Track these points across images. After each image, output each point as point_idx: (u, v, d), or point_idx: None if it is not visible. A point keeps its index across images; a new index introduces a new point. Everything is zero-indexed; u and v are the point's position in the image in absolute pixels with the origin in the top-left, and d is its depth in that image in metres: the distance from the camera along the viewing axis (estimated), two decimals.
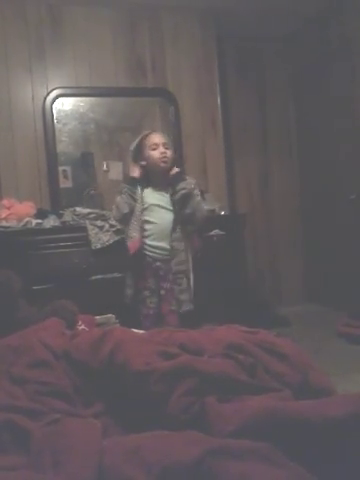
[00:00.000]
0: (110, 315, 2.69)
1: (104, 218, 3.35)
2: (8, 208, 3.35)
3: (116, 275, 3.27)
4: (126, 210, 2.70)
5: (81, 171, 3.95)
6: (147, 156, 2.69)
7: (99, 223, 3.32)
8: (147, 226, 2.70)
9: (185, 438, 1.04)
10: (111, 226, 3.30)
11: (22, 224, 3.27)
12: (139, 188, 2.71)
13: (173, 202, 2.68)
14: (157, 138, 2.71)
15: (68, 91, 3.79)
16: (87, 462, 0.98)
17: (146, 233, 2.71)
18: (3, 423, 1.13)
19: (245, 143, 4.78)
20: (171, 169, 2.70)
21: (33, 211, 3.41)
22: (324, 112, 4.45)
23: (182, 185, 2.64)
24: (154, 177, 2.75)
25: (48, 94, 3.71)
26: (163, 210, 2.71)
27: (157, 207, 2.71)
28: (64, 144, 3.84)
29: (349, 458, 1.01)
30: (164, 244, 2.70)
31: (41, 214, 3.42)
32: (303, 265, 4.93)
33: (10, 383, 1.43)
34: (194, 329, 1.76)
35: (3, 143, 3.64)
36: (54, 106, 3.74)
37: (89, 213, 3.40)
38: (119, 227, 3.29)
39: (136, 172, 2.73)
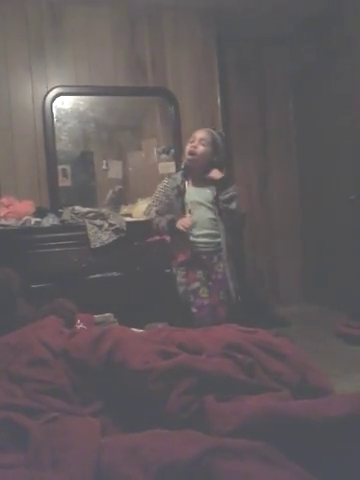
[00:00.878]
0: (109, 314, 2.70)
1: (103, 217, 3.35)
2: (7, 206, 3.35)
3: (115, 274, 3.27)
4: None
5: (80, 170, 3.95)
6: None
7: (98, 222, 3.32)
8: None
9: (184, 437, 1.05)
10: (110, 225, 3.30)
11: (21, 223, 3.27)
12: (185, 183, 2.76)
13: (219, 201, 2.71)
14: (197, 133, 2.75)
15: (68, 90, 3.78)
16: (86, 460, 0.98)
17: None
18: (2, 421, 1.13)
19: (245, 143, 4.78)
20: (212, 171, 2.73)
21: (32, 210, 3.41)
22: (324, 112, 4.45)
23: (230, 189, 2.71)
24: (191, 173, 2.78)
25: (48, 93, 3.71)
26: (203, 207, 2.73)
27: (197, 204, 2.74)
28: (64, 143, 3.84)
29: (347, 457, 1.01)
30: (207, 238, 2.74)
31: (40, 213, 3.42)
32: (302, 265, 4.94)
33: (9, 381, 1.43)
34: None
35: (3, 141, 3.64)
36: (54, 105, 3.73)
37: (88, 212, 3.39)
38: (118, 226, 3.29)
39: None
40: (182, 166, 2.85)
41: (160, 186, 2.87)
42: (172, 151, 4.02)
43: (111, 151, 4.09)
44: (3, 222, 3.25)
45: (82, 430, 1.11)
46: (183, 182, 2.76)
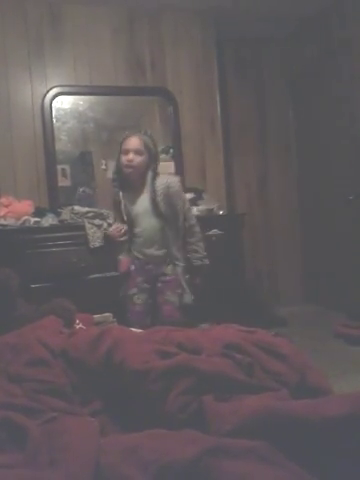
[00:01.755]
0: (108, 314, 2.69)
1: (102, 217, 3.35)
2: (6, 206, 3.35)
3: (114, 274, 3.27)
4: None
5: (80, 170, 3.95)
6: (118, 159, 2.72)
7: (97, 222, 3.32)
8: (135, 233, 2.76)
9: (183, 437, 1.05)
10: (109, 225, 3.30)
11: (20, 222, 3.27)
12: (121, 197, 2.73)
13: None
14: (130, 143, 2.67)
15: (67, 89, 3.78)
16: (84, 460, 0.98)
17: (135, 239, 2.76)
18: (0, 421, 1.13)
19: (244, 143, 4.78)
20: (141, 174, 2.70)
21: (31, 209, 3.41)
22: (323, 112, 4.45)
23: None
24: (129, 184, 2.75)
25: (47, 92, 3.71)
26: (147, 216, 2.71)
27: (142, 214, 2.72)
28: (63, 142, 3.84)
29: (346, 457, 1.01)
30: (153, 250, 2.75)
31: (39, 212, 3.42)
32: (301, 265, 4.94)
33: (8, 381, 1.43)
34: (191, 326, 1.77)
35: (2, 141, 3.63)
36: (53, 104, 3.74)
37: (87, 212, 3.39)
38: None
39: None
40: (114, 178, 2.76)
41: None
42: (171, 151, 4.02)
43: (110, 151, 4.08)
44: (2, 222, 3.25)
45: (81, 430, 1.11)
46: (118, 195, 2.74)
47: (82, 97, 3.89)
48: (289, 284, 4.88)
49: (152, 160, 2.70)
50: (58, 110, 3.79)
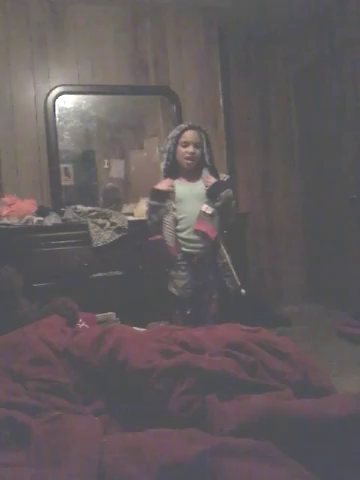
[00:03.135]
0: (111, 313, 2.70)
1: (105, 216, 3.35)
2: (9, 205, 3.35)
3: (117, 273, 3.27)
4: (156, 219, 2.79)
5: (82, 169, 3.95)
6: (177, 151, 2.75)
7: (100, 221, 3.32)
8: (181, 220, 2.74)
9: (185, 436, 1.05)
10: (112, 224, 3.30)
11: (23, 221, 3.27)
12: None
13: (216, 208, 2.74)
14: (190, 136, 2.74)
15: (70, 89, 3.78)
16: (87, 459, 0.98)
17: (180, 227, 2.74)
18: (4, 419, 1.13)
19: (247, 142, 4.77)
20: (206, 178, 2.76)
21: (34, 208, 3.41)
22: (326, 112, 4.44)
23: (222, 195, 2.73)
24: (184, 173, 2.79)
25: (50, 92, 3.71)
26: (194, 201, 2.74)
27: (188, 199, 2.74)
28: (66, 142, 3.84)
29: (348, 456, 1.01)
30: (198, 237, 2.73)
31: (42, 212, 3.42)
32: (304, 265, 4.93)
33: (11, 380, 1.43)
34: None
35: (5, 140, 3.64)
36: (56, 104, 3.73)
37: (90, 211, 3.39)
38: (120, 225, 3.29)
39: (164, 185, 2.76)
40: (165, 169, 2.80)
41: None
42: None
43: (113, 150, 4.09)
44: (5, 221, 3.25)
45: (84, 429, 1.11)
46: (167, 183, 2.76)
47: (85, 96, 3.89)
48: (292, 283, 4.87)
49: (207, 153, 2.78)
50: (61, 109, 3.79)
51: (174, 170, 2.79)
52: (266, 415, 1.07)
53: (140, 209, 3.57)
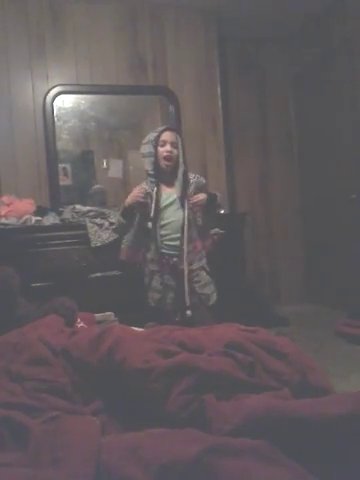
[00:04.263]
0: (109, 313, 2.70)
1: (104, 216, 3.35)
2: (8, 205, 3.35)
3: (115, 273, 3.27)
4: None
5: (81, 169, 3.95)
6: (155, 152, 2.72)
7: (99, 221, 3.32)
8: (164, 226, 2.72)
9: (184, 436, 1.04)
10: (111, 224, 3.30)
11: (21, 221, 3.27)
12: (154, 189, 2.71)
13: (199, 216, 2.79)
14: (167, 136, 2.73)
15: (69, 88, 3.78)
16: (85, 459, 0.98)
17: (163, 232, 2.71)
18: (2, 420, 1.13)
19: (245, 142, 4.78)
20: (195, 196, 2.74)
21: (33, 208, 3.40)
22: (324, 112, 4.45)
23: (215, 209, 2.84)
24: (162, 177, 2.76)
25: (49, 91, 3.71)
26: (174, 207, 2.71)
27: (170, 206, 2.72)
28: (64, 142, 3.84)
29: (347, 457, 1.01)
30: (178, 242, 2.70)
31: (41, 211, 3.42)
32: (302, 265, 4.94)
33: (9, 380, 1.43)
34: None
35: (3, 140, 3.63)
36: (54, 103, 3.73)
37: (89, 211, 3.39)
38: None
39: (133, 197, 2.72)
40: (151, 171, 2.73)
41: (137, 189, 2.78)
42: None
43: (112, 150, 4.09)
44: (4, 221, 3.25)
45: (82, 429, 1.11)
46: (157, 187, 2.71)
47: (83, 96, 3.89)
48: (290, 283, 4.88)
49: (183, 154, 2.76)
50: (59, 109, 3.79)
51: (158, 174, 2.74)
52: (264, 415, 1.07)
53: None
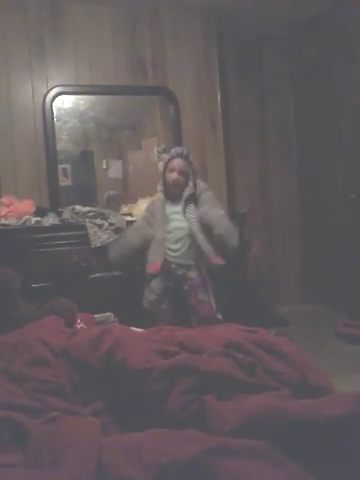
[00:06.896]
0: (109, 313, 2.70)
1: (103, 216, 3.35)
2: (7, 206, 3.34)
3: (115, 274, 3.27)
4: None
5: (81, 169, 3.95)
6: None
7: (98, 221, 3.31)
8: (168, 235, 3.00)
9: (184, 436, 1.04)
10: (110, 224, 3.30)
11: (21, 222, 3.26)
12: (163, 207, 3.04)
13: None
14: (176, 163, 3.04)
15: (68, 89, 3.78)
16: (85, 460, 0.98)
17: (169, 242, 2.99)
18: (2, 420, 1.13)
19: (245, 143, 4.77)
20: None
21: (32, 209, 3.40)
22: (324, 113, 4.44)
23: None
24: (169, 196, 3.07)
25: (48, 92, 3.70)
26: (178, 218, 3.01)
27: (173, 217, 3.02)
28: (64, 142, 3.83)
29: (347, 457, 1.01)
30: (180, 253, 2.98)
31: (40, 212, 3.42)
32: (302, 265, 4.93)
33: (9, 381, 1.43)
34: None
35: (3, 141, 3.63)
36: (54, 104, 3.73)
37: (88, 211, 3.39)
38: (118, 226, 3.29)
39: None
40: (161, 192, 3.07)
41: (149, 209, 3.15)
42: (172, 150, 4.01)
43: (111, 150, 4.09)
44: (3, 221, 3.24)
45: (82, 430, 1.11)
46: (164, 207, 3.03)
47: (83, 97, 3.88)
48: (290, 283, 4.88)
49: (191, 178, 3.06)
50: (59, 110, 3.78)
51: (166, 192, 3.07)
52: (264, 415, 1.07)
53: (138, 209, 3.57)
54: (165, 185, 3.06)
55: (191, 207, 3.01)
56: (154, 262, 2.96)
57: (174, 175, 3.03)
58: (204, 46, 4.16)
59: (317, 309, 4.52)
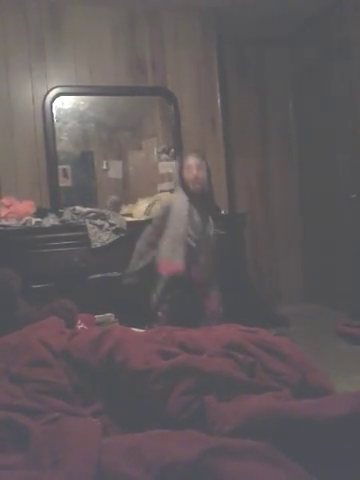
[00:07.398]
0: (109, 314, 2.70)
1: (104, 217, 3.35)
2: (8, 207, 3.35)
3: (116, 274, 3.27)
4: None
5: (81, 170, 3.95)
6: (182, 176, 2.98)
7: (99, 222, 3.31)
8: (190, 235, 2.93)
9: (184, 437, 1.04)
10: (110, 225, 3.30)
11: (22, 223, 3.27)
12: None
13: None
14: (193, 160, 2.99)
15: (68, 90, 3.78)
16: (86, 461, 0.98)
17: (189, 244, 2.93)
18: (2, 421, 1.13)
19: (245, 143, 4.77)
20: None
21: (33, 210, 3.40)
22: (324, 112, 4.44)
23: None
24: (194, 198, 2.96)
25: (48, 93, 3.70)
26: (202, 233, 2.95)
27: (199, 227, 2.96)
28: (64, 143, 3.83)
29: (348, 457, 1.01)
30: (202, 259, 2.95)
31: (41, 213, 3.42)
32: (302, 265, 4.93)
33: (9, 382, 1.43)
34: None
35: (3, 142, 3.63)
36: (54, 105, 3.73)
37: (89, 212, 3.39)
38: (118, 226, 3.30)
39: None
40: (185, 195, 2.95)
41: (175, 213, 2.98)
42: (172, 151, 4.02)
43: (111, 151, 4.09)
44: (4, 222, 3.25)
45: (83, 430, 1.11)
46: (191, 209, 2.92)
47: (83, 97, 3.89)
48: (290, 283, 4.88)
49: (209, 176, 3.02)
50: (59, 110, 3.78)
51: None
52: (265, 416, 1.07)
53: (138, 210, 3.57)
54: (184, 184, 2.97)
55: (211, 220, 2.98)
56: (172, 262, 2.88)
57: (194, 171, 2.96)
58: (204, 46, 4.16)
59: (318, 309, 4.52)
